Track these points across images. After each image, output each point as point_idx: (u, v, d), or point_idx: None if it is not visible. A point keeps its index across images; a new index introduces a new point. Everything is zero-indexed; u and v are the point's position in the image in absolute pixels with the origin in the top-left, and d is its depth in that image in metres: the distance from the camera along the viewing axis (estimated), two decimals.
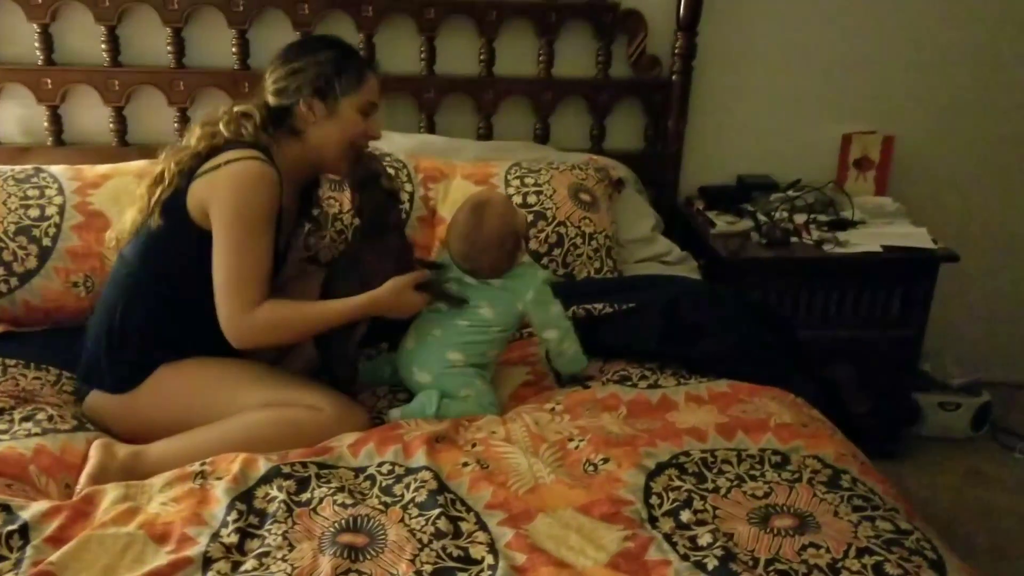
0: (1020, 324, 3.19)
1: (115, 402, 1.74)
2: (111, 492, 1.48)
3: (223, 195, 1.69)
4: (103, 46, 2.44)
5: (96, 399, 1.77)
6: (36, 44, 2.41)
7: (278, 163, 1.76)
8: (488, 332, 1.82)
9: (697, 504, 1.44)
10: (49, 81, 2.42)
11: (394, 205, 1.93)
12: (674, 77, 2.66)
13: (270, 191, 1.71)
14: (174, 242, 1.74)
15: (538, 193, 2.32)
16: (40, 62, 2.43)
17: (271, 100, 1.81)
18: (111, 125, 2.51)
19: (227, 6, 2.44)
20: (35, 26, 2.39)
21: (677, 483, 1.50)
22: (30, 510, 1.40)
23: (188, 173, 1.74)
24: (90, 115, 2.51)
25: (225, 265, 1.68)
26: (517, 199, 2.29)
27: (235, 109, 1.81)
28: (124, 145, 2.52)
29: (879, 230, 2.63)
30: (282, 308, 1.71)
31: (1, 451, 1.56)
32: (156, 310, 1.76)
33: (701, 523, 1.39)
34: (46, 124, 2.48)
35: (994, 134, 2.95)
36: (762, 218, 2.63)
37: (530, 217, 2.26)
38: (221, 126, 1.77)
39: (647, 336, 1.94)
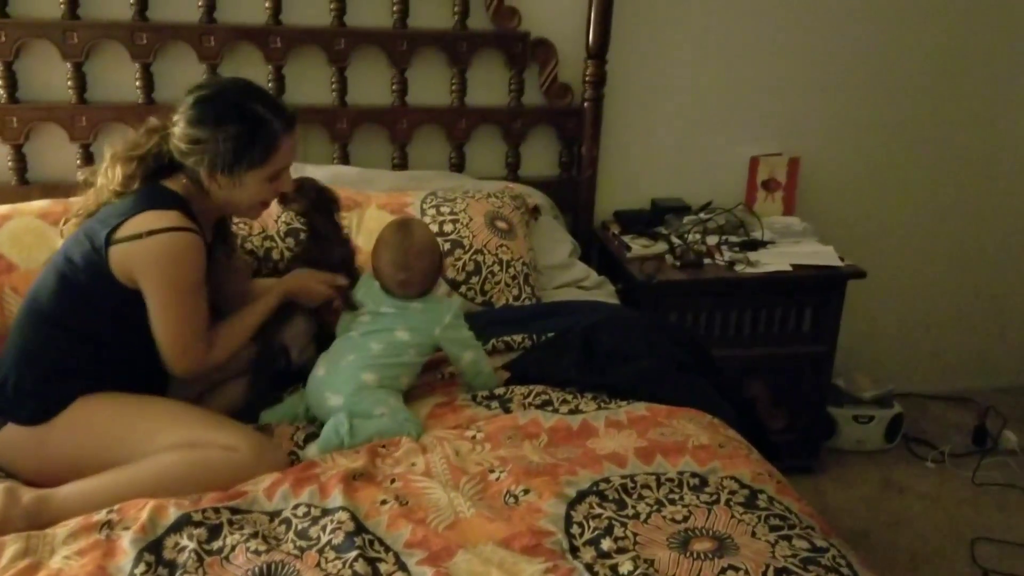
0: (927, 335, 3.31)
1: (28, 435, 1.67)
2: (11, 546, 1.40)
3: (153, 271, 1.67)
4: (0, 83, 2.36)
5: (8, 433, 1.69)
6: None
7: (195, 208, 1.74)
8: (403, 355, 1.84)
9: (618, 531, 1.44)
10: None
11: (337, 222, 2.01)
12: (586, 104, 2.69)
13: (198, 256, 1.70)
14: (95, 295, 1.70)
15: (454, 222, 2.32)
16: None
17: (176, 155, 1.74)
18: (10, 163, 2.42)
19: (130, 40, 2.39)
20: None
21: (598, 511, 1.49)
22: None
23: (104, 220, 1.70)
24: None
25: (171, 331, 1.70)
26: (433, 227, 2.28)
27: (145, 150, 1.76)
28: (24, 184, 2.44)
29: (788, 249, 2.70)
30: (223, 330, 1.78)
31: None
32: (74, 344, 1.71)
33: (622, 551, 1.39)
34: None
35: (893, 153, 3.06)
36: (676, 241, 2.68)
37: (447, 246, 2.25)
38: (134, 168, 1.74)
39: (566, 365, 1.95)
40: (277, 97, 1.88)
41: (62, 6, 2.35)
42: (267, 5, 2.46)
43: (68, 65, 2.38)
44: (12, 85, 2.37)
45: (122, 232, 1.67)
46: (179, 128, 1.72)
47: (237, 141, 1.70)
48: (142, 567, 1.34)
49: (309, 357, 1.94)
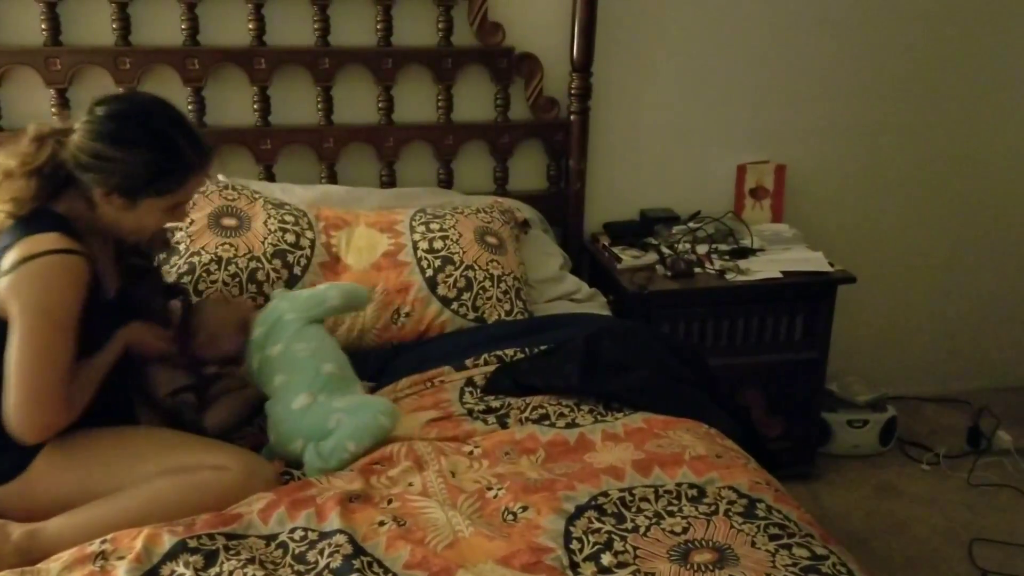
0: (918, 338, 3.32)
1: (8, 491, 1.62)
2: None
3: (22, 297, 1.50)
4: None
5: None
6: None
7: (84, 227, 1.61)
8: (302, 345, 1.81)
9: (618, 545, 1.43)
10: None
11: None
12: (572, 117, 2.70)
13: (76, 280, 1.54)
14: (3, 339, 1.55)
15: (444, 238, 2.31)
16: None
17: (70, 164, 1.59)
18: None
19: (113, 65, 2.38)
20: None
21: (597, 525, 1.49)
22: None
23: None
24: None
25: (30, 371, 1.49)
26: (423, 244, 2.28)
27: (41, 161, 1.60)
28: None
29: (778, 256, 2.71)
30: (77, 381, 1.58)
31: None
32: None
33: (622, 565, 1.38)
34: None
35: (878, 158, 3.08)
36: (666, 251, 2.68)
37: (437, 262, 2.25)
38: (31, 185, 1.58)
39: (568, 373, 1.94)
40: (198, 128, 1.76)
41: (44, 32, 2.34)
42: (251, 27, 2.46)
43: (52, 91, 2.37)
44: None
45: (3, 266, 1.53)
46: (81, 138, 1.58)
47: (147, 168, 1.58)
48: None
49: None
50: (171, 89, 2.44)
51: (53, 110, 2.38)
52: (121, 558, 1.41)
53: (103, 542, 1.45)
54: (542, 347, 2.07)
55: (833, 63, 2.94)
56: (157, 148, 1.60)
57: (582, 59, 2.63)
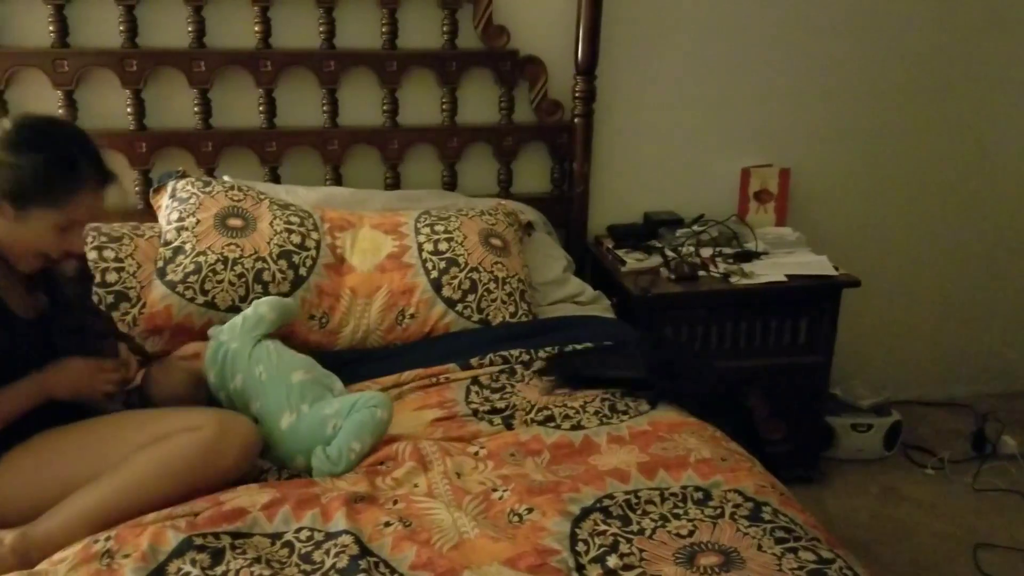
0: (923, 342, 3.32)
1: None
2: None
3: None
4: None
5: None
6: None
7: None
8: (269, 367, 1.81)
9: (623, 548, 1.43)
10: None
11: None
12: (576, 120, 2.70)
13: None
14: None
15: (449, 240, 2.32)
16: None
17: None
18: None
19: (120, 67, 2.39)
20: None
21: (602, 527, 1.48)
22: None
23: None
24: None
25: None
26: (428, 246, 2.28)
27: None
28: None
29: (782, 260, 2.71)
30: None
31: None
32: None
33: (628, 567, 1.38)
34: None
35: (882, 161, 3.08)
36: (670, 254, 2.68)
37: (442, 264, 2.25)
38: None
39: (637, 366, 1.97)
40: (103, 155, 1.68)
41: (52, 35, 2.35)
42: (257, 29, 2.47)
43: (59, 93, 2.38)
44: (3, 114, 2.36)
45: None
46: None
47: (37, 171, 1.54)
48: None
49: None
50: (178, 91, 2.45)
51: (60, 112, 2.39)
52: (127, 556, 1.41)
53: (107, 539, 1.45)
54: (547, 348, 2.07)
55: (838, 66, 2.95)
56: (51, 155, 1.57)
57: (586, 62, 2.63)
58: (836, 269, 2.67)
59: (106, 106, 2.45)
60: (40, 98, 2.39)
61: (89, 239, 2.15)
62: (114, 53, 2.39)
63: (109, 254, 2.16)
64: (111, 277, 2.13)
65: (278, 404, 1.77)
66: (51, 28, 2.35)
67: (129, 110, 2.43)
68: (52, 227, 1.59)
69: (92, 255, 2.11)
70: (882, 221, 3.14)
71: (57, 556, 1.45)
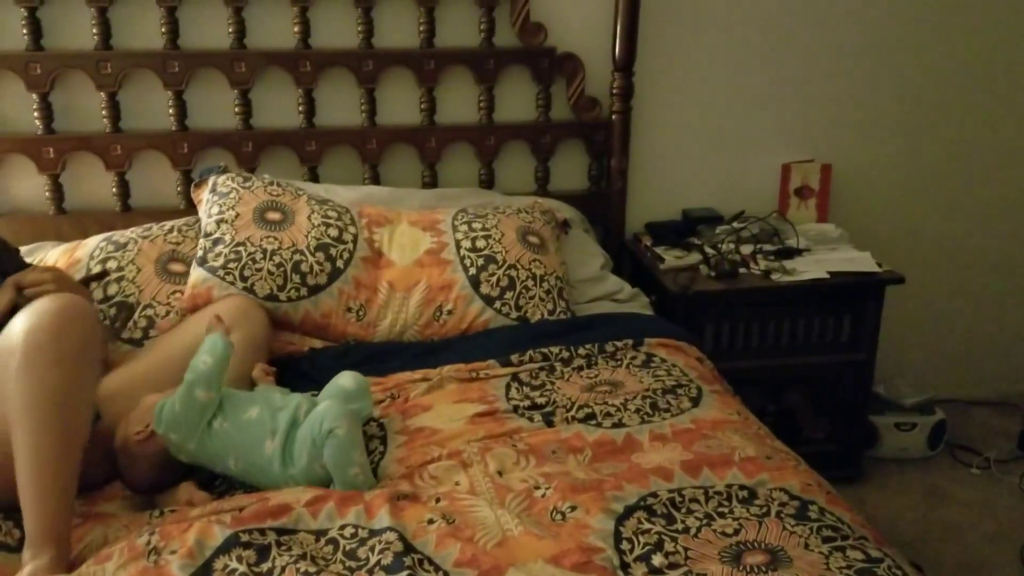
0: (967, 340, 3.26)
1: None
2: None
3: None
4: (37, 115, 2.39)
5: None
6: None
7: None
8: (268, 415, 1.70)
9: (668, 546, 1.42)
10: None
11: None
12: (614, 117, 2.69)
13: None
14: None
15: (487, 237, 2.31)
16: None
17: None
18: (47, 193, 2.45)
19: (162, 68, 2.41)
20: None
21: (647, 526, 1.47)
22: None
23: None
24: None
25: None
26: (466, 244, 2.28)
27: None
28: (61, 213, 2.47)
29: (824, 256, 2.67)
30: None
31: None
32: None
33: (674, 566, 1.37)
34: None
35: (927, 156, 3.03)
36: (709, 251, 2.66)
37: (480, 261, 2.25)
38: None
39: None
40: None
41: (95, 37, 2.38)
42: (296, 30, 2.48)
43: (102, 95, 2.41)
44: (48, 116, 2.40)
45: None
46: None
47: None
48: None
49: None
50: (218, 92, 2.47)
51: (104, 113, 2.42)
52: (173, 552, 1.42)
53: (151, 534, 1.45)
54: (587, 345, 2.06)
55: (878, 60, 2.90)
56: None
57: (624, 59, 2.62)
58: (879, 265, 2.63)
59: (148, 107, 2.48)
60: (84, 100, 2.43)
61: (96, 251, 2.17)
62: (156, 55, 2.42)
63: (112, 264, 2.14)
64: (111, 289, 2.09)
65: (253, 451, 1.66)
66: (94, 31, 2.38)
67: (171, 111, 2.46)
68: None
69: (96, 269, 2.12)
70: (927, 216, 3.09)
71: (103, 553, 1.46)
